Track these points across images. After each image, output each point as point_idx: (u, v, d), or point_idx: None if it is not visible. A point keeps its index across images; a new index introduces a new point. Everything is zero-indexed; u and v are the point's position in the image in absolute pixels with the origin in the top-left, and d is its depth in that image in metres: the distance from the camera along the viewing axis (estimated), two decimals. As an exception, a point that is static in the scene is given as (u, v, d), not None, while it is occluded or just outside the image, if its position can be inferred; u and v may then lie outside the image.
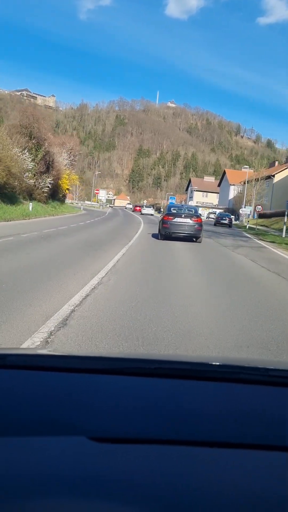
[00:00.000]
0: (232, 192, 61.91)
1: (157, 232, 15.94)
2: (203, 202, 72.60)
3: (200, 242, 14.85)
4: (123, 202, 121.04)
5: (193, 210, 16.08)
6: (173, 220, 14.53)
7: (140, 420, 0.82)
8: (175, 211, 15.07)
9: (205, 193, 78.65)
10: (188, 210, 15.67)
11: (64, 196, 43.21)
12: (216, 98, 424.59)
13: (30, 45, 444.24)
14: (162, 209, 44.63)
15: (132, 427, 0.79)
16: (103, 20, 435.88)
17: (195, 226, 14.56)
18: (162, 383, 0.97)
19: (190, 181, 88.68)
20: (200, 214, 16.43)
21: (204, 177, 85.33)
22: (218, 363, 1.15)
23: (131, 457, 0.70)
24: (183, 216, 14.64)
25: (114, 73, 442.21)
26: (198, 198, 76.66)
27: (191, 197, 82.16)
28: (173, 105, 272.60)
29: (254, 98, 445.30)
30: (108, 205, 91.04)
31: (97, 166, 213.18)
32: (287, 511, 0.60)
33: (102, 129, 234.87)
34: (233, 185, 61.96)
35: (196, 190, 78.64)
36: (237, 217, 47.60)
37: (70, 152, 42.71)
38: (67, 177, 38.77)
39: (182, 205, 17.38)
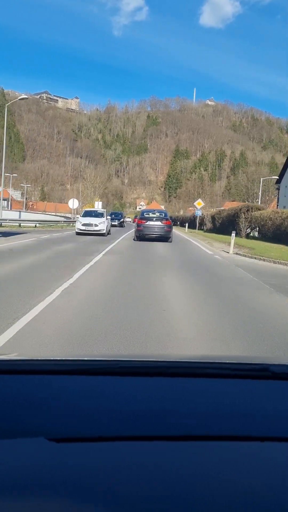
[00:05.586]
0: None
1: None
2: None
3: (170, 242, 17.43)
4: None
5: (163, 214, 18.68)
6: (146, 223, 17.54)
7: (100, 418, 0.82)
8: (147, 216, 18.01)
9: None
10: (159, 214, 18.40)
11: None
12: (259, 96, 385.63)
13: (55, 58, 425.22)
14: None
15: (92, 426, 0.79)
16: (137, 35, 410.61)
17: (165, 228, 17.49)
18: (124, 381, 0.96)
19: None
20: (169, 217, 19.30)
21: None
22: (180, 360, 1.15)
23: (92, 456, 0.70)
24: (154, 219, 17.65)
25: (145, 80, 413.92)
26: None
27: None
28: (212, 103, 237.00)
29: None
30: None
31: (126, 173, 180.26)
32: (276, 498, 0.61)
33: (131, 131, 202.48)
34: None
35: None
36: None
37: None
38: None
39: (154, 210, 20.76)
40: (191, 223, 39.62)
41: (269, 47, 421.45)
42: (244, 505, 0.60)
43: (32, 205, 74.24)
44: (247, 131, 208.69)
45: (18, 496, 0.59)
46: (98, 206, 35.48)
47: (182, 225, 48.94)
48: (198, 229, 34.14)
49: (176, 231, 29.76)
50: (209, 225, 35.55)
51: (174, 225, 47.85)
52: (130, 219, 71.84)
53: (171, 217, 53.92)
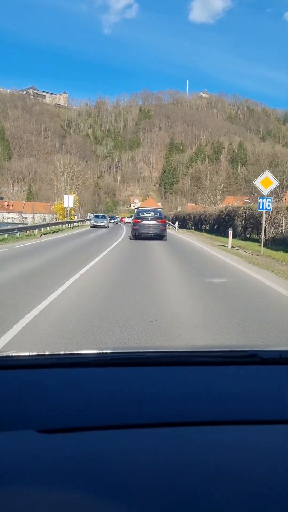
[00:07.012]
0: None
1: None
2: None
3: (165, 240, 17.61)
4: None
5: (158, 213, 19.16)
6: (142, 223, 18.05)
7: (92, 408, 0.83)
8: (143, 215, 18.55)
9: None
10: (153, 213, 18.85)
11: None
12: (252, 90, 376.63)
13: (44, 55, 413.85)
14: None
15: (84, 416, 0.81)
16: (127, 33, 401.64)
17: (160, 227, 18.01)
18: (115, 372, 0.98)
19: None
20: (164, 216, 19.96)
21: None
22: (172, 350, 1.18)
23: (84, 445, 0.72)
24: (149, 218, 18.16)
25: (136, 76, 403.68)
26: None
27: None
28: (206, 95, 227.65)
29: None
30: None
31: (119, 169, 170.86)
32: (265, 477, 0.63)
33: (123, 125, 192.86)
34: None
35: None
36: None
37: None
38: None
39: (149, 210, 20.37)
40: (221, 224, 21.63)
41: (260, 41, 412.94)
42: (242, 486, 0.61)
43: (8, 205, 64.81)
44: (243, 122, 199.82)
45: (11, 484, 0.60)
46: (68, 202, 25.87)
47: (199, 228, 31.71)
48: (254, 242, 17.83)
49: (204, 247, 15.87)
50: (273, 232, 17.31)
51: (182, 226, 35.33)
52: (118, 219, 62.25)
53: (176, 216, 46.22)
